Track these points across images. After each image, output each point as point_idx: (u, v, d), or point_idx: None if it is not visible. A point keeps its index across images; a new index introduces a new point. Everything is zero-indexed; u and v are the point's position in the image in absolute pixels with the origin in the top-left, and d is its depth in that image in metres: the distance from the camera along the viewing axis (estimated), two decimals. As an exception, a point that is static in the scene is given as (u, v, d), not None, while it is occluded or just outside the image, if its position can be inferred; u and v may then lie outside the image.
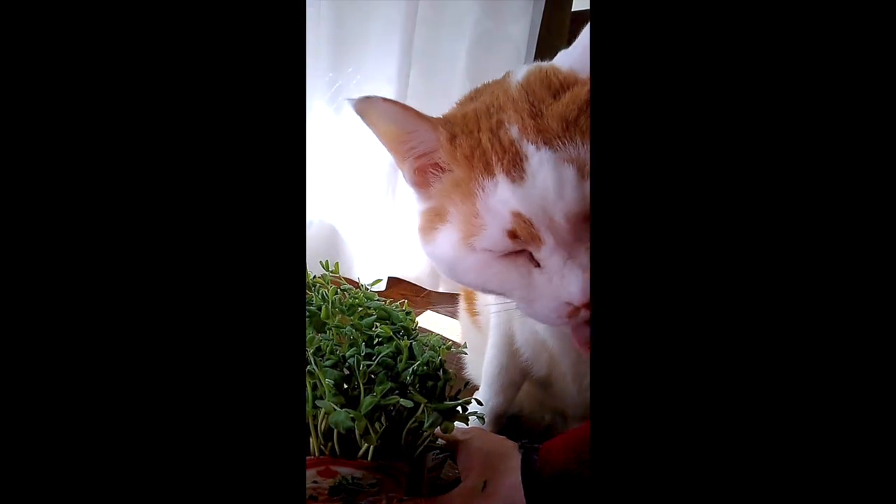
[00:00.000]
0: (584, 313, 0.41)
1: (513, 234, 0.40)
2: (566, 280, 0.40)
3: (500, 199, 0.40)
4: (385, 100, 0.43)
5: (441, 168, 0.45)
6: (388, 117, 0.45)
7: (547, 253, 0.40)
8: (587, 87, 0.40)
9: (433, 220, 0.46)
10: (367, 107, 0.43)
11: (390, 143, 0.47)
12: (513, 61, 1.18)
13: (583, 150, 0.39)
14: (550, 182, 0.39)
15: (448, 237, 0.44)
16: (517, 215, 0.40)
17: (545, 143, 0.39)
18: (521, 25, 1.19)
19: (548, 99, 0.42)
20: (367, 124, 0.45)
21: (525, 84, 0.44)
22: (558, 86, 0.42)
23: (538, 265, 0.42)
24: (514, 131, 0.41)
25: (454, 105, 0.50)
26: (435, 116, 0.47)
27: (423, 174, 0.47)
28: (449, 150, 0.44)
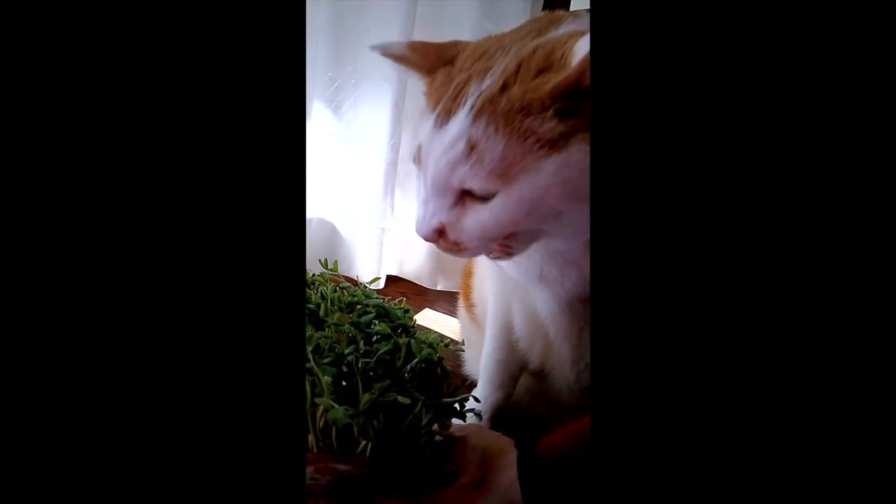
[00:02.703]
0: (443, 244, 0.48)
1: (416, 159, 0.49)
2: (417, 208, 0.49)
3: (423, 128, 0.47)
4: (407, 44, 0.54)
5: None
6: (408, 55, 0.54)
7: (418, 184, 0.49)
8: (562, 77, 0.41)
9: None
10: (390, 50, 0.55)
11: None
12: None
13: (486, 138, 0.43)
14: (443, 146, 0.44)
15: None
16: (420, 147, 0.47)
17: (477, 113, 0.43)
18: (520, 25, 1.18)
19: (532, 73, 0.43)
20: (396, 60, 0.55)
21: (541, 47, 0.45)
22: (552, 63, 0.44)
23: None
24: (478, 86, 0.44)
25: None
26: (448, 43, 0.53)
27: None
28: (427, 84, 0.51)
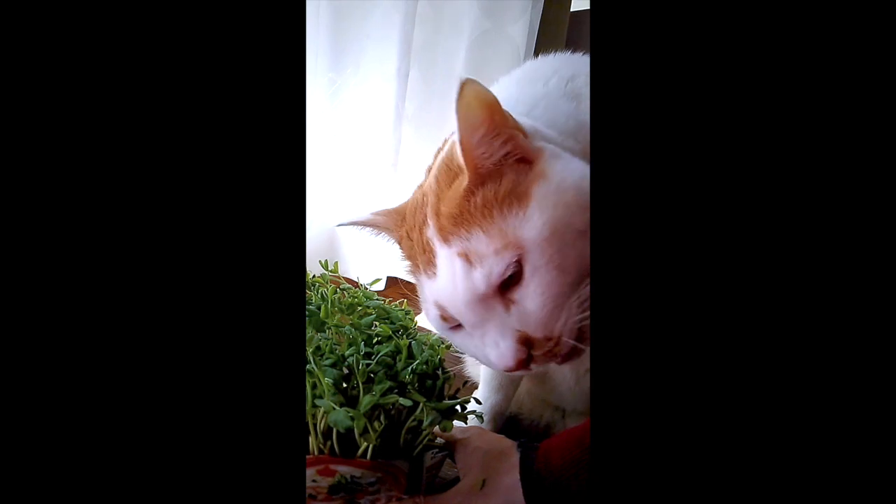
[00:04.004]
0: (522, 372, 0.47)
1: (443, 318, 0.48)
2: (486, 350, 0.47)
3: (426, 292, 0.49)
4: (352, 223, 0.56)
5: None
6: (374, 224, 0.55)
7: (469, 330, 0.47)
8: (465, 181, 0.45)
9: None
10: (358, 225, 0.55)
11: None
12: (512, 61, 1.18)
13: (467, 241, 0.44)
14: (448, 277, 0.46)
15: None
16: (437, 304, 0.48)
17: (444, 242, 0.46)
18: (521, 25, 1.19)
19: (445, 190, 0.47)
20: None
21: (438, 172, 0.49)
22: (456, 170, 0.47)
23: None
24: (430, 230, 0.47)
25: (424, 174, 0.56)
26: (397, 208, 0.55)
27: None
28: (402, 249, 0.54)
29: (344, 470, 0.47)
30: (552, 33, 1.22)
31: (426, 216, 0.48)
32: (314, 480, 0.46)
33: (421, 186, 0.53)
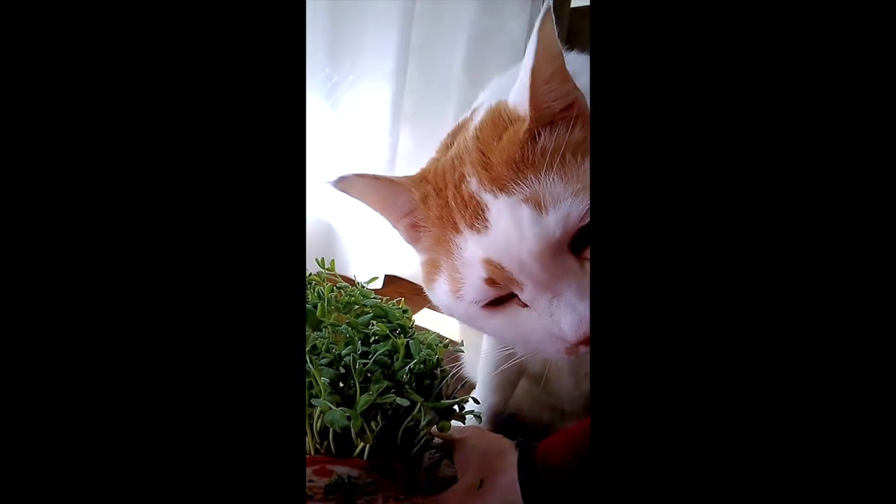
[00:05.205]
0: (584, 349, 0.41)
1: (491, 281, 0.41)
2: (555, 317, 0.40)
3: (470, 251, 0.42)
4: (359, 175, 0.46)
5: (424, 225, 0.48)
6: (366, 189, 0.47)
7: (530, 294, 0.41)
8: (525, 124, 0.41)
9: (430, 271, 0.47)
10: (345, 184, 0.46)
11: (377, 210, 0.49)
12: (511, 58, 1.18)
13: (536, 184, 0.39)
14: (510, 226, 0.39)
15: (442, 288, 0.46)
16: (488, 262, 0.41)
17: (501, 190, 0.40)
18: (520, 22, 1.18)
19: (493, 143, 0.43)
20: (353, 197, 0.47)
21: (478, 130, 0.45)
22: (506, 123, 0.43)
23: (526, 305, 0.42)
24: (472, 185, 0.42)
25: (435, 152, 0.52)
26: (412, 175, 0.48)
27: (416, 230, 0.49)
28: (423, 210, 0.46)
29: (341, 470, 0.47)
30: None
31: (463, 174, 0.43)
32: (311, 480, 0.46)
33: (437, 159, 0.49)
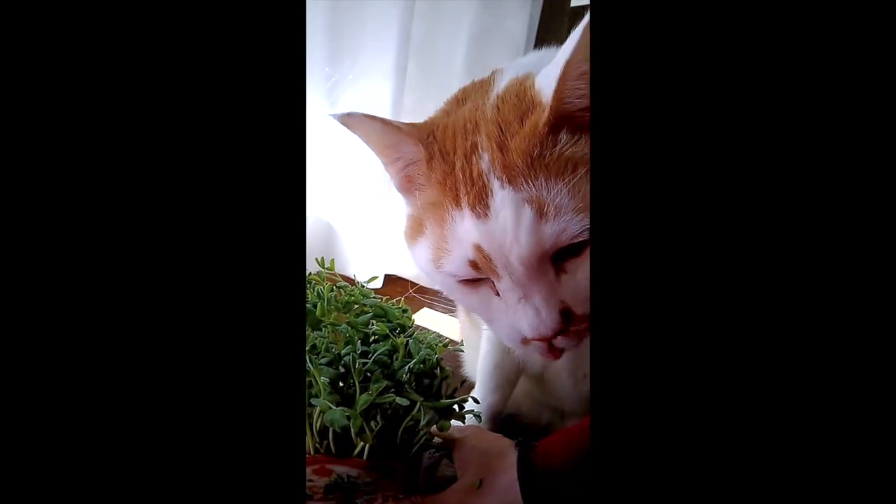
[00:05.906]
0: (540, 343, 0.43)
1: (474, 265, 0.42)
2: (518, 315, 0.42)
3: (465, 230, 0.42)
4: (367, 116, 0.45)
5: (422, 183, 0.47)
6: (370, 131, 0.46)
7: (504, 287, 0.42)
8: (545, 113, 0.40)
9: (415, 228, 0.47)
10: (351, 121, 0.45)
11: (377, 153, 0.48)
12: (511, 57, 1.18)
13: (545, 190, 0.39)
14: (509, 224, 0.40)
15: (424, 251, 0.46)
16: (478, 248, 0.41)
17: (509, 181, 0.40)
18: (520, 21, 1.18)
19: (515, 124, 0.42)
20: (354, 132, 0.46)
21: (501, 99, 0.44)
22: (528, 105, 0.42)
23: (498, 294, 0.43)
24: (484, 162, 0.42)
25: (444, 104, 0.51)
26: (418, 124, 0.48)
27: (410, 181, 0.48)
28: (426, 170, 0.45)
29: (340, 470, 0.47)
30: (552, 29, 1.22)
31: (476, 144, 0.42)
32: (310, 480, 0.46)
33: (447, 113, 0.47)
